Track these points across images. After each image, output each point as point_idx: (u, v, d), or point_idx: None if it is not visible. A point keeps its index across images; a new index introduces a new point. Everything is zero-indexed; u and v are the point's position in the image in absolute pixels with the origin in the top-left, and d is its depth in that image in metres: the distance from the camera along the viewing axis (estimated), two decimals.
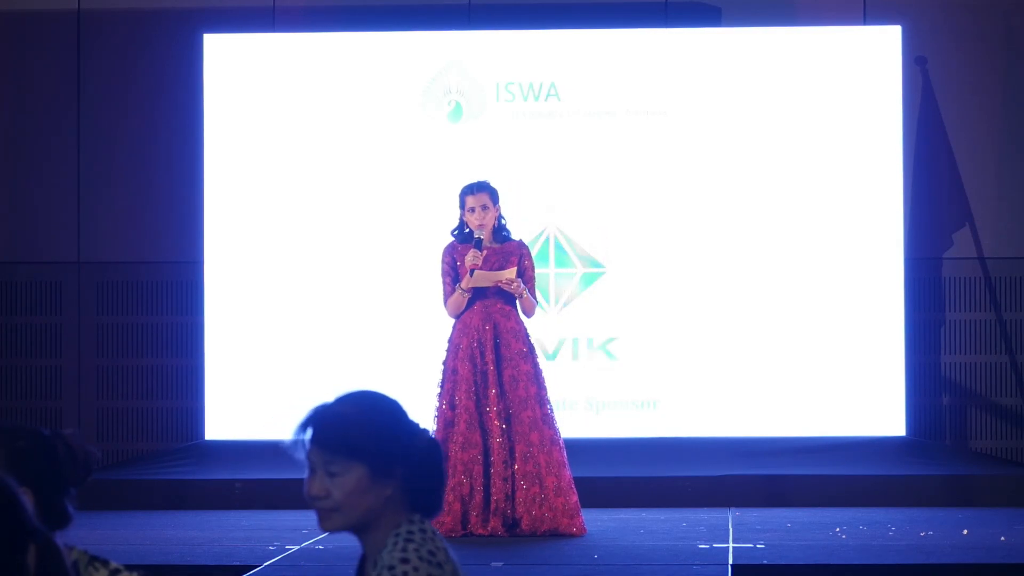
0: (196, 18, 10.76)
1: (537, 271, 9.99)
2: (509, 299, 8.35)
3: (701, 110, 10.29)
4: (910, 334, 10.30)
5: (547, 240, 10.30)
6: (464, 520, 8.13)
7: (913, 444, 10.22)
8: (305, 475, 2.97)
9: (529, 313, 8.39)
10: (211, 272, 10.41)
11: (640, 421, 10.21)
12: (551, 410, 8.34)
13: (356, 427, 2.92)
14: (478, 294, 8.33)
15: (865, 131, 10.23)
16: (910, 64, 10.40)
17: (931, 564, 7.16)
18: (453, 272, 8.37)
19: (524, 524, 8.15)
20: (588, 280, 10.31)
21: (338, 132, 10.39)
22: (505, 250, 8.39)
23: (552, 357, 10.20)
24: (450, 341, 8.39)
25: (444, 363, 8.37)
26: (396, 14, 10.71)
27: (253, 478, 9.87)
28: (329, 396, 2.99)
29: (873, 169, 10.22)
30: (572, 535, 8.19)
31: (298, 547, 7.83)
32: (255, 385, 10.32)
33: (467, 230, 8.40)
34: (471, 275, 8.26)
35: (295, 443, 2.95)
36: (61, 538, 3.14)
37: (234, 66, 10.45)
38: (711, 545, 7.89)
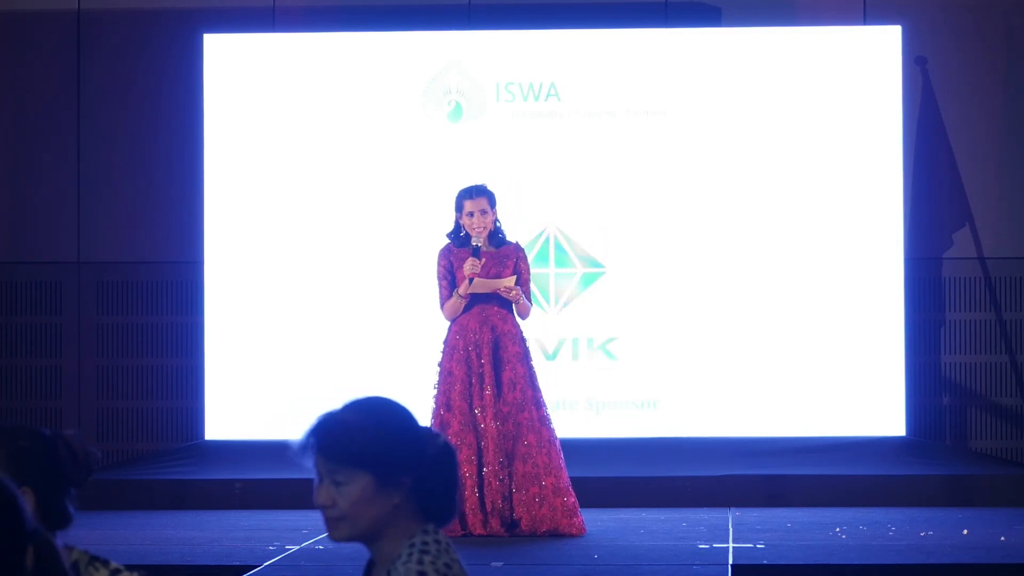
0: (196, 18, 10.76)
1: (537, 271, 10.03)
2: (505, 302, 8.35)
3: (701, 110, 10.29)
4: (910, 334, 10.30)
5: (547, 240, 10.30)
6: (462, 520, 8.13)
7: (913, 444, 10.22)
8: (313, 479, 2.94)
9: (524, 316, 8.39)
10: (211, 272, 10.41)
11: (640, 421, 10.21)
12: (547, 411, 8.34)
13: (360, 436, 2.88)
14: (475, 297, 8.33)
15: (865, 131, 10.23)
16: (910, 64, 10.40)
17: (931, 564, 7.16)
18: (450, 275, 8.37)
19: (524, 524, 8.15)
20: (588, 280, 10.30)
21: (338, 132, 10.39)
22: (502, 254, 8.38)
23: (552, 357, 10.21)
24: (446, 343, 8.38)
25: (440, 365, 8.36)
26: (396, 14, 10.72)
27: (253, 478, 9.87)
28: (337, 403, 2.94)
29: (873, 169, 10.22)
30: (572, 535, 8.19)
31: (298, 547, 7.83)
32: (255, 385, 10.32)
33: (463, 233, 8.38)
34: (470, 283, 8.25)
35: (302, 451, 2.92)
36: (61, 538, 3.15)
37: (234, 66, 10.45)
38: (711, 545, 7.89)
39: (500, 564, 7.23)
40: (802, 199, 10.24)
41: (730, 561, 7.28)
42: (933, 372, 10.56)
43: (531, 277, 8.57)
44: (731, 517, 9.10)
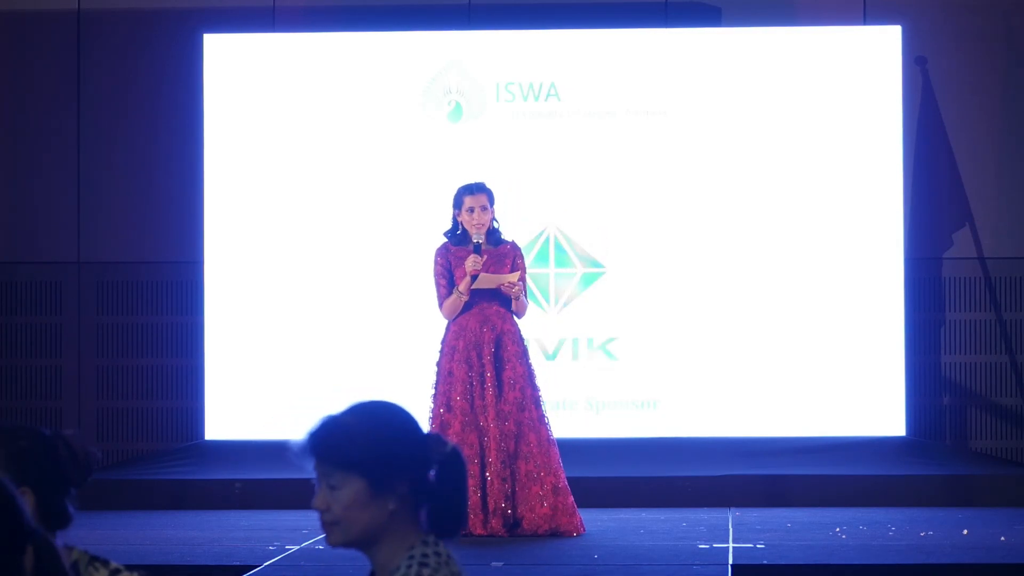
0: (196, 18, 10.76)
1: (537, 271, 10.03)
2: (504, 301, 8.35)
3: (701, 110, 10.29)
4: (910, 334, 10.30)
5: (547, 240, 10.30)
6: None
7: (913, 444, 10.22)
8: (313, 480, 2.92)
9: (521, 314, 8.38)
10: (211, 272, 10.41)
11: (640, 421, 10.21)
12: (545, 411, 8.34)
13: (354, 440, 2.83)
14: (474, 297, 8.32)
15: (865, 131, 10.22)
16: (910, 64, 10.40)
17: (931, 564, 7.16)
18: (448, 274, 8.36)
19: (525, 524, 8.16)
20: (588, 280, 10.30)
21: (338, 132, 10.39)
22: (499, 252, 8.38)
23: (552, 357, 10.21)
24: (444, 343, 8.38)
25: (438, 364, 8.35)
26: (396, 14, 10.72)
27: (253, 478, 9.87)
28: (337, 403, 2.90)
29: (873, 169, 10.22)
30: (572, 535, 8.19)
31: (298, 547, 7.83)
32: (255, 385, 10.32)
33: (460, 231, 8.38)
34: (472, 280, 8.24)
35: (301, 453, 2.89)
36: (61, 538, 3.15)
37: (234, 66, 10.45)
38: (711, 545, 7.89)
39: (500, 564, 7.23)
40: (802, 199, 10.24)
41: (730, 561, 7.28)
42: (933, 372, 10.56)
43: (531, 277, 8.57)
44: (731, 517, 9.10)
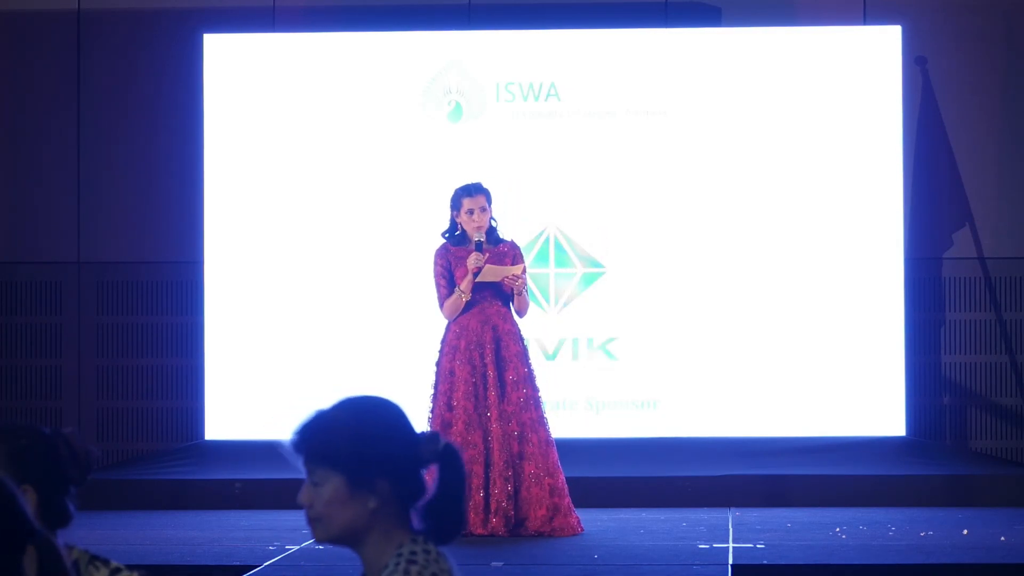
0: (196, 18, 10.76)
1: (537, 271, 10.03)
2: (505, 301, 8.35)
3: (701, 110, 10.29)
4: (910, 334, 10.30)
5: (547, 240, 10.30)
6: None
7: (913, 444, 10.22)
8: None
9: (523, 312, 8.38)
10: (211, 272, 10.41)
11: (640, 421, 10.21)
12: (544, 412, 8.35)
13: (335, 435, 2.80)
14: (475, 296, 8.32)
15: (865, 131, 10.22)
16: (910, 64, 10.40)
17: (931, 564, 7.16)
18: (448, 274, 8.36)
19: (528, 524, 8.16)
20: (588, 280, 10.30)
21: (338, 132, 10.38)
22: (499, 251, 8.39)
23: (552, 357, 10.20)
24: (445, 342, 8.37)
25: (438, 364, 8.35)
26: (396, 14, 10.71)
27: (253, 478, 9.87)
28: (330, 401, 2.89)
29: (873, 169, 10.22)
30: (570, 534, 8.20)
31: (298, 547, 7.83)
32: (255, 385, 10.32)
33: (459, 232, 8.38)
34: (474, 276, 8.24)
35: (291, 449, 2.87)
36: (62, 537, 3.15)
37: (234, 66, 10.45)
38: (711, 545, 7.89)
39: (500, 564, 7.23)
40: (802, 199, 10.24)
41: (730, 561, 7.28)
42: (933, 372, 10.56)
43: (531, 277, 8.57)
44: (731, 517, 9.10)
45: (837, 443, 10.09)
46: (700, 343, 10.22)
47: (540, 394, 8.35)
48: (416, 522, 2.84)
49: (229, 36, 10.53)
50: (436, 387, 8.31)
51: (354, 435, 2.80)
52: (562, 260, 10.31)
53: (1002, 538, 8.06)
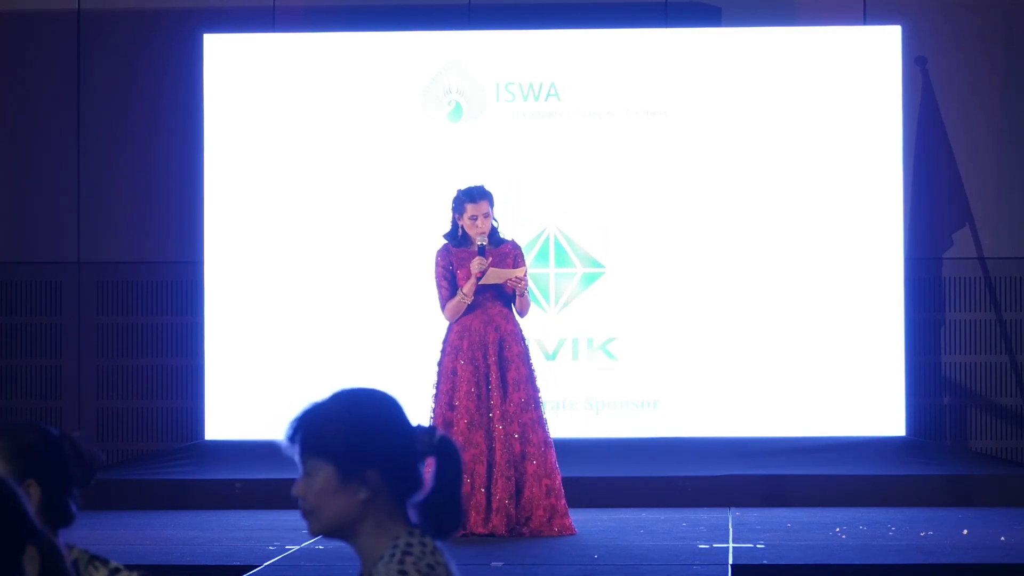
0: (196, 18, 10.76)
1: (537, 271, 10.03)
2: (507, 302, 8.35)
3: (701, 110, 10.29)
4: (910, 334, 10.30)
5: (547, 240, 10.30)
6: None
7: (913, 444, 10.22)
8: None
9: (524, 313, 8.39)
10: (211, 272, 10.41)
11: (640, 421, 10.21)
12: (544, 412, 8.35)
13: (325, 425, 2.80)
14: (477, 297, 8.32)
15: (865, 131, 10.22)
16: (910, 64, 10.40)
17: (931, 564, 7.16)
18: (449, 275, 8.35)
19: (531, 523, 8.16)
20: (588, 280, 10.30)
21: (338, 132, 10.38)
22: (501, 252, 8.39)
23: (552, 357, 10.20)
24: (447, 342, 8.37)
25: (440, 364, 8.35)
26: (396, 14, 10.71)
27: (253, 478, 9.87)
28: (325, 393, 2.90)
29: (873, 169, 10.22)
30: (567, 535, 8.21)
31: (298, 547, 7.83)
32: (255, 385, 10.32)
33: (461, 233, 8.37)
34: (477, 280, 8.24)
35: (286, 441, 2.87)
36: (63, 537, 3.16)
37: (234, 66, 10.45)
38: (711, 545, 7.89)
39: (500, 564, 7.23)
40: (802, 199, 10.24)
41: (730, 561, 7.28)
42: (933, 372, 10.56)
43: (531, 277, 8.57)
44: (731, 517, 9.10)
45: (837, 443, 10.09)
46: (700, 343, 10.22)
47: (540, 394, 8.35)
48: (413, 517, 2.83)
49: (229, 36, 10.53)
50: (438, 387, 8.32)
51: (345, 424, 2.80)
52: (562, 260, 10.31)
53: (1002, 538, 8.06)
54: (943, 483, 9.81)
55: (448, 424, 8.17)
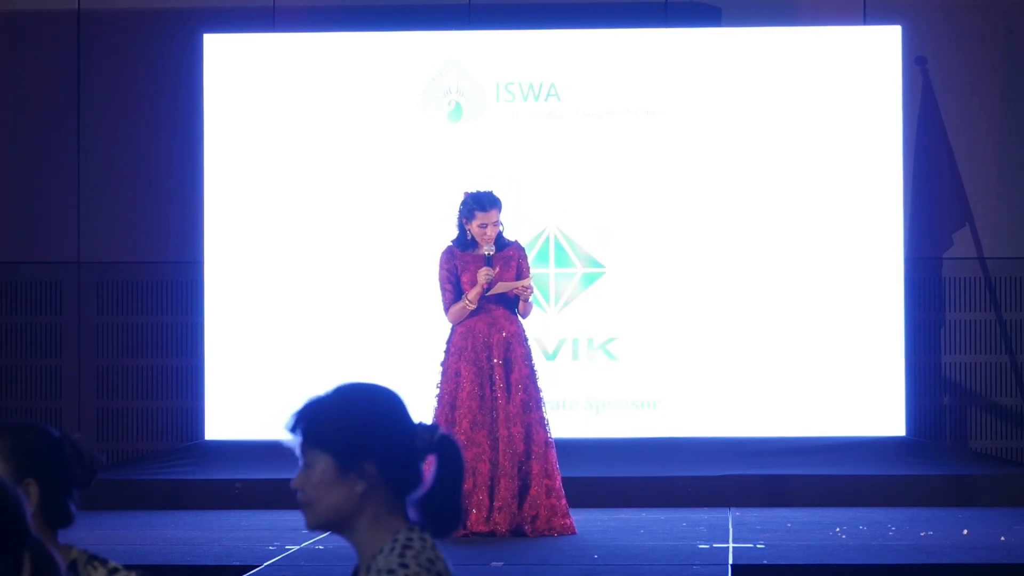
0: (196, 18, 10.76)
1: (537, 271, 10.03)
2: (509, 304, 8.35)
3: (701, 110, 10.29)
4: (910, 334, 10.30)
5: (547, 240, 10.30)
6: (464, 519, 8.13)
7: (913, 444, 10.22)
8: None
9: (526, 315, 8.41)
10: (211, 272, 10.41)
11: (640, 421, 10.21)
12: (545, 412, 8.35)
13: (326, 417, 2.81)
14: (481, 299, 8.31)
15: (865, 131, 10.22)
16: (910, 64, 10.40)
17: (931, 564, 7.16)
18: (454, 279, 8.35)
19: (536, 523, 8.17)
20: (588, 280, 10.30)
21: (338, 132, 10.38)
22: (505, 255, 8.39)
23: (552, 357, 10.20)
24: (450, 343, 8.38)
25: (444, 364, 8.36)
26: (396, 14, 10.71)
27: (253, 478, 9.87)
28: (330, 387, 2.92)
29: (873, 169, 10.22)
30: (567, 535, 8.22)
31: (298, 547, 7.83)
32: (255, 385, 10.32)
33: (469, 237, 8.37)
34: (486, 291, 8.23)
35: (289, 434, 2.87)
36: (63, 537, 3.16)
37: (234, 66, 10.45)
38: (711, 545, 7.89)
39: (500, 564, 7.23)
40: (802, 199, 10.24)
41: (730, 561, 7.28)
42: (933, 372, 10.56)
43: (531, 277, 8.57)
44: (731, 517, 9.10)
45: (837, 443, 10.09)
46: (700, 343, 10.22)
47: (542, 395, 8.36)
48: (413, 515, 2.83)
49: (229, 36, 10.53)
50: (441, 387, 8.32)
51: (344, 417, 2.81)
52: (562, 260, 10.31)
53: (1002, 538, 8.06)
54: (943, 483, 9.81)
55: (450, 424, 8.18)
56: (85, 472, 3.18)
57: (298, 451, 2.85)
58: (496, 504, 8.15)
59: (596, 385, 10.24)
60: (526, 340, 8.39)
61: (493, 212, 8.29)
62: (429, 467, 2.86)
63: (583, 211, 10.30)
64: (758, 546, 7.81)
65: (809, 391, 10.17)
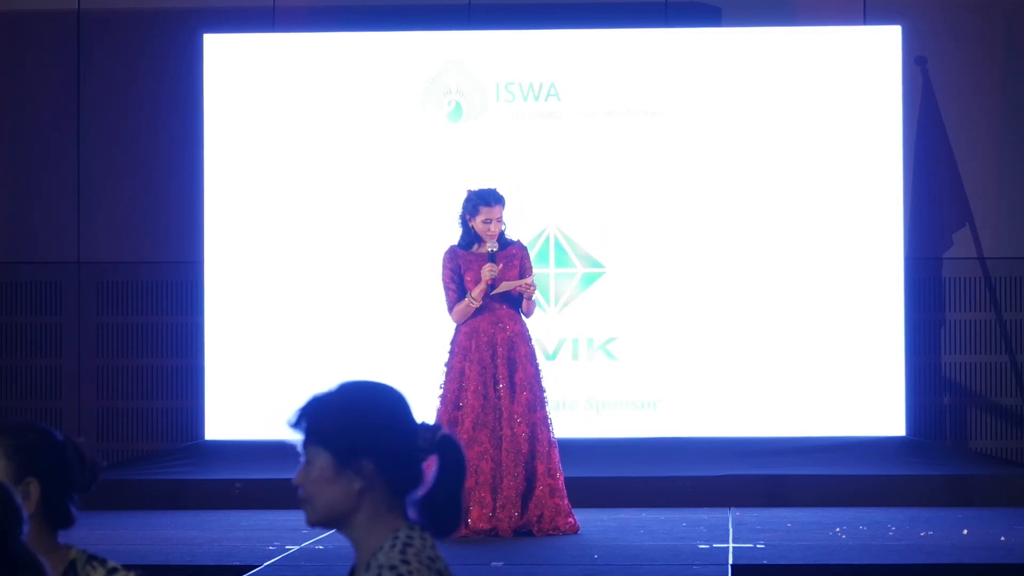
0: (196, 18, 10.76)
1: (537, 271, 10.02)
2: (514, 303, 8.36)
3: (701, 110, 10.29)
4: (910, 334, 10.30)
5: (547, 240, 10.30)
6: (465, 519, 8.13)
7: (913, 444, 10.22)
8: None
9: (529, 314, 8.42)
10: (211, 272, 10.42)
11: (640, 421, 10.21)
12: (548, 412, 8.36)
13: (325, 413, 2.82)
14: (484, 299, 8.32)
15: (865, 131, 10.22)
16: (910, 64, 10.40)
17: (931, 564, 7.16)
18: (457, 278, 8.35)
19: (542, 522, 8.17)
20: (588, 280, 10.30)
21: (338, 132, 10.39)
22: (508, 254, 8.40)
23: (552, 357, 10.20)
24: (454, 343, 8.38)
25: (448, 364, 8.36)
26: (396, 14, 10.72)
27: (253, 478, 9.87)
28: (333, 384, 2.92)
29: (873, 169, 10.22)
30: (570, 533, 8.22)
31: (298, 547, 7.83)
32: (255, 385, 10.32)
33: (472, 234, 8.36)
34: (491, 288, 8.24)
35: (292, 430, 2.88)
36: (63, 537, 3.17)
37: (234, 66, 10.45)
38: (711, 545, 7.89)
39: (500, 564, 7.23)
40: (802, 199, 10.24)
41: (730, 561, 7.28)
42: (933, 372, 10.56)
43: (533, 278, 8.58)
44: (731, 517, 9.10)
45: (837, 443, 10.09)
46: (700, 343, 10.22)
47: (546, 394, 8.36)
48: (412, 515, 2.84)
49: (229, 36, 10.53)
50: (445, 386, 8.32)
51: (344, 414, 2.82)
52: (562, 260, 10.31)
53: (1002, 538, 8.06)
54: (943, 483, 9.81)
55: (453, 423, 8.18)
56: (86, 476, 3.19)
57: (300, 447, 2.86)
58: (499, 503, 8.16)
59: (596, 385, 10.24)
60: (530, 339, 8.40)
61: (497, 208, 8.30)
62: (431, 467, 2.86)
63: (583, 211, 10.30)
64: (758, 546, 7.81)
65: (809, 391, 10.17)
